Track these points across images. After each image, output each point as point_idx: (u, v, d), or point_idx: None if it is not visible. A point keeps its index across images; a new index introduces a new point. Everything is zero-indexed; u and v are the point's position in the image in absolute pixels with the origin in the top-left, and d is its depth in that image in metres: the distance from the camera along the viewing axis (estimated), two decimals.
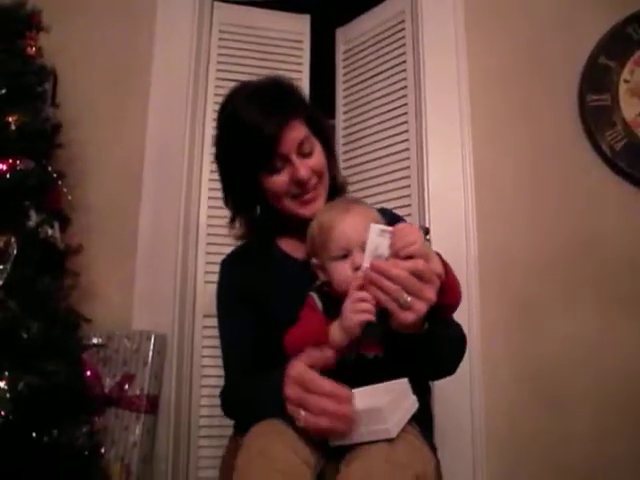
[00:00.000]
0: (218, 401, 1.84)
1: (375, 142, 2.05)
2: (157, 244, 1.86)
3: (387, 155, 2.01)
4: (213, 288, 1.92)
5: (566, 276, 1.70)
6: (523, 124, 1.80)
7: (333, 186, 1.20)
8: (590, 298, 1.67)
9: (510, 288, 1.71)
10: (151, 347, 1.71)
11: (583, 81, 1.74)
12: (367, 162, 2.06)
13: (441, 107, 1.86)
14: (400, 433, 0.84)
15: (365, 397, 0.86)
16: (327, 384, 0.83)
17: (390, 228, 0.89)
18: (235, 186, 1.18)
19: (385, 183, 1.98)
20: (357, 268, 0.92)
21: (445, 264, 0.92)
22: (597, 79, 1.73)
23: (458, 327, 1.04)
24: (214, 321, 1.88)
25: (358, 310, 0.87)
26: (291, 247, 1.20)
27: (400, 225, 0.90)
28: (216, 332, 1.88)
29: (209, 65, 2.07)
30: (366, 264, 0.88)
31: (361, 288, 0.88)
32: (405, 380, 0.90)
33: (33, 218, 1.36)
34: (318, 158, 1.11)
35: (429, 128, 1.86)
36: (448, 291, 0.91)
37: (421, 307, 0.84)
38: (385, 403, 0.82)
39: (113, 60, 1.92)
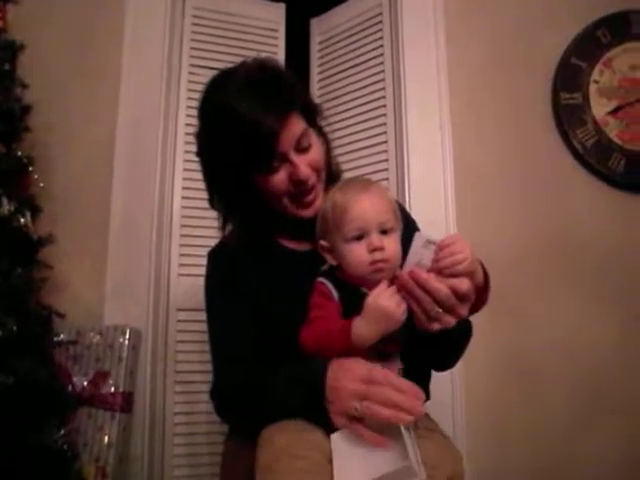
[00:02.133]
0: (193, 397, 1.83)
1: (351, 134, 2.04)
2: (129, 235, 1.78)
3: (364, 147, 2.00)
4: (187, 281, 1.89)
5: (539, 267, 1.75)
6: (501, 118, 1.84)
7: (328, 174, 1.11)
8: (562, 289, 1.73)
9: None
10: (126, 342, 1.64)
11: (557, 79, 1.80)
12: (343, 154, 2.04)
13: (420, 100, 1.88)
14: (426, 432, 0.84)
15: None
16: (398, 379, 0.79)
17: (437, 240, 0.83)
18: (225, 187, 1.07)
19: (366, 175, 1.98)
20: (373, 250, 0.89)
21: (485, 273, 0.90)
22: (569, 78, 1.79)
23: (470, 323, 1.02)
24: (188, 315, 1.86)
25: (400, 304, 0.83)
26: (289, 242, 1.13)
27: (449, 239, 0.83)
28: (190, 326, 1.86)
29: (182, 50, 2.00)
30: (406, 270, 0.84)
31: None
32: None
33: (5, 206, 1.25)
34: (316, 152, 1.02)
35: (408, 121, 1.87)
36: (480, 301, 0.89)
37: (449, 321, 0.82)
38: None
39: (83, 41, 1.82)
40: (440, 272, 0.81)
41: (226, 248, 1.16)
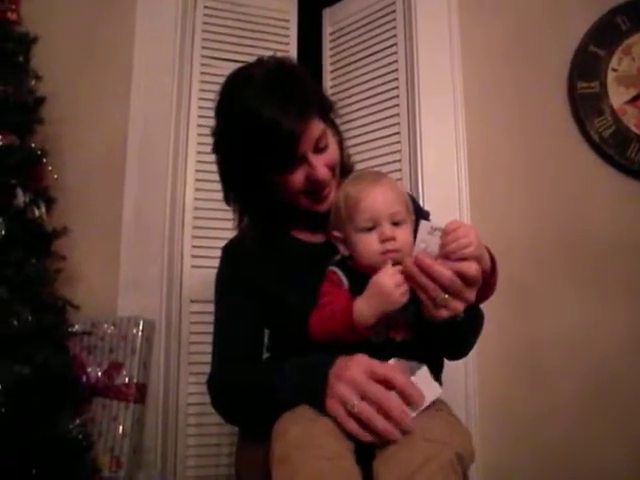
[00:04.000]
0: (206, 389, 1.83)
1: (364, 125, 2.02)
2: (142, 227, 1.79)
3: (377, 139, 1.99)
4: (200, 273, 1.89)
5: (553, 259, 1.73)
6: (516, 109, 1.81)
7: (341, 167, 1.12)
8: (576, 281, 1.71)
9: (501, 271, 1.73)
10: (140, 334, 1.65)
11: (573, 68, 1.77)
12: (355, 146, 2.03)
13: (433, 91, 1.86)
14: (433, 411, 0.84)
15: None
16: (403, 379, 0.80)
17: (442, 226, 0.83)
18: (243, 186, 1.09)
19: (375, 168, 1.96)
20: (385, 240, 0.90)
21: (492, 259, 0.90)
22: (586, 67, 1.76)
23: (481, 311, 1.02)
24: (201, 306, 1.87)
25: (400, 285, 0.84)
26: (303, 235, 1.15)
27: (453, 224, 0.83)
28: (203, 318, 1.86)
29: (194, 41, 2.00)
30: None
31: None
32: (424, 370, 0.86)
33: (20, 197, 1.26)
34: (333, 151, 1.04)
35: (421, 112, 1.85)
36: (488, 287, 0.90)
37: (457, 306, 0.82)
38: None
39: (95, 33, 1.83)
40: (447, 257, 0.82)
41: (240, 243, 1.18)
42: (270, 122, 0.93)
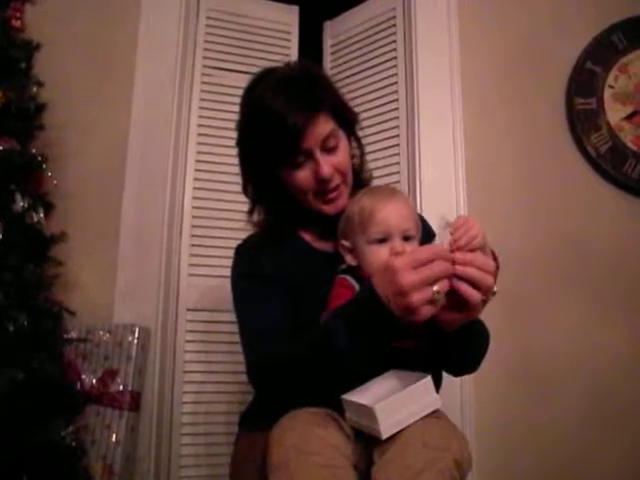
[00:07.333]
0: (201, 398, 1.83)
1: (362, 137, 2.02)
2: (140, 234, 1.79)
3: (376, 150, 1.99)
4: (197, 281, 1.90)
5: (551, 272, 1.74)
6: (514, 123, 1.83)
7: (359, 180, 1.15)
8: (575, 294, 1.72)
9: (500, 283, 1.73)
10: (135, 341, 1.64)
11: (571, 84, 1.79)
12: None
13: (433, 104, 1.88)
14: (431, 418, 0.84)
15: (378, 390, 0.86)
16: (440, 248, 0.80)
17: (451, 220, 0.86)
18: (255, 176, 1.12)
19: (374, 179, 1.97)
20: (396, 254, 0.91)
21: (493, 253, 0.92)
22: (584, 83, 1.78)
23: (484, 324, 1.03)
24: (197, 315, 1.87)
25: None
26: (312, 239, 1.15)
27: (462, 218, 0.86)
28: (199, 326, 1.86)
29: (196, 51, 2.01)
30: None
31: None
32: (427, 379, 0.86)
33: (19, 203, 1.27)
34: (342, 155, 1.05)
35: (421, 125, 1.87)
36: None
37: (494, 290, 0.84)
38: (377, 403, 0.79)
39: (98, 41, 1.84)
40: (459, 249, 0.83)
41: (252, 244, 1.18)
42: (276, 113, 0.97)
